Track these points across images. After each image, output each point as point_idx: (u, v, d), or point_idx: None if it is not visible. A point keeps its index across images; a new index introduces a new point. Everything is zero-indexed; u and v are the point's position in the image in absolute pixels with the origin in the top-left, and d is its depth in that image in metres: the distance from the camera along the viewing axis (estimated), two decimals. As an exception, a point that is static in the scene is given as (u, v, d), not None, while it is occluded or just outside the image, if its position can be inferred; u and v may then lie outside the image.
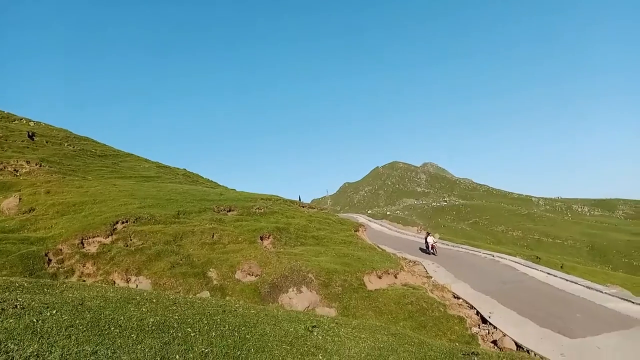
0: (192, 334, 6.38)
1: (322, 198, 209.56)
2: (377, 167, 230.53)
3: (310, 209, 41.94)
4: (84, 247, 23.22)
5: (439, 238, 60.51)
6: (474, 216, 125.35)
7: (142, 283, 20.98)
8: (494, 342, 20.24)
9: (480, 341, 20.30)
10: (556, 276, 31.65)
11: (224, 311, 8.12)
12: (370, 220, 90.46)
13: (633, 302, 24.02)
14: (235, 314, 8.08)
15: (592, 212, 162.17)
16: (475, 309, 24.43)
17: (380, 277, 25.03)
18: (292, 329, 7.96)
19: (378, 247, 35.60)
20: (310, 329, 8.37)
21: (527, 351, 18.76)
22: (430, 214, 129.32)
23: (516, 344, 19.58)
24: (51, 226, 25.52)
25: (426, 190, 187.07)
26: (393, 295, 22.66)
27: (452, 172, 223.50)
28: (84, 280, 20.96)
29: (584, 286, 28.09)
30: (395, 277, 25.96)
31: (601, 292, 26.51)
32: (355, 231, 35.42)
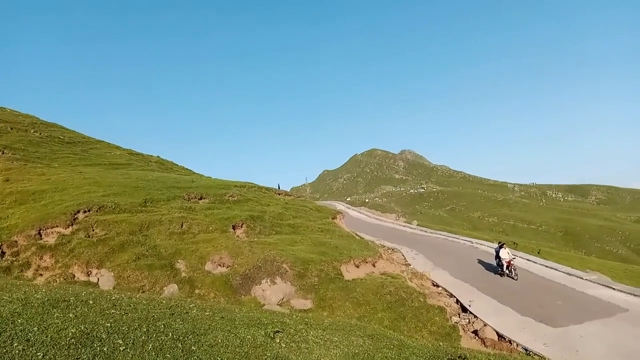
0: (122, 348, 5.19)
1: (301, 186, 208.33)
2: (356, 154, 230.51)
3: (286, 196, 40.78)
4: (41, 239, 21.71)
5: (417, 225, 59.92)
6: (451, 202, 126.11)
7: (104, 276, 19.61)
8: (475, 332, 19.62)
9: (461, 332, 19.62)
10: (535, 262, 31.40)
11: (172, 314, 6.90)
12: (348, 208, 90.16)
13: (613, 289, 23.81)
14: (184, 318, 6.85)
15: (566, 198, 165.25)
16: (455, 297, 23.80)
17: (358, 266, 24.15)
18: (249, 336, 6.80)
19: (356, 234, 34.73)
20: (272, 334, 7.23)
21: (509, 341, 18.20)
22: (408, 200, 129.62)
23: (497, 333, 19.02)
24: (7, 216, 23.83)
25: (404, 178, 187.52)
26: (371, 285, 21.78)
27: (429, 159, 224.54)
28: (41, 274, 19.51)
29: (564, 272, 27.85)
30: (374, 266, 25.13)
31: (581, 278, 26.23)
32: (332, 219, 34.46)
